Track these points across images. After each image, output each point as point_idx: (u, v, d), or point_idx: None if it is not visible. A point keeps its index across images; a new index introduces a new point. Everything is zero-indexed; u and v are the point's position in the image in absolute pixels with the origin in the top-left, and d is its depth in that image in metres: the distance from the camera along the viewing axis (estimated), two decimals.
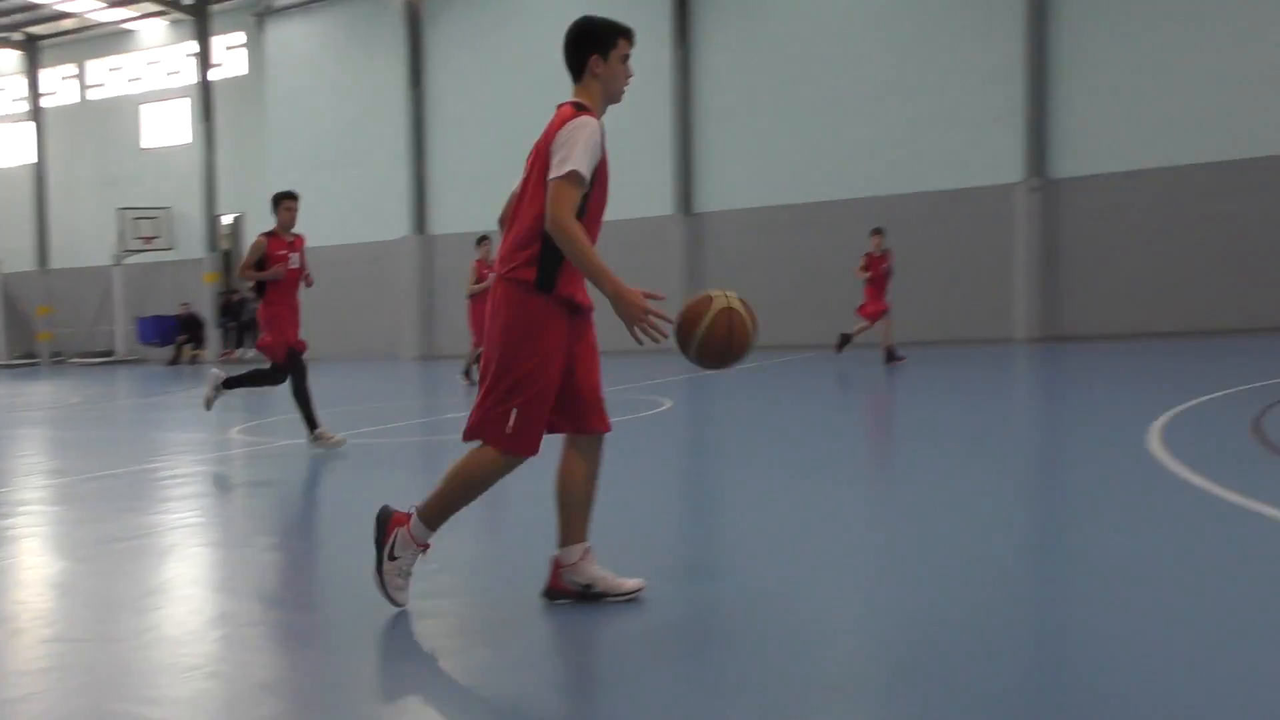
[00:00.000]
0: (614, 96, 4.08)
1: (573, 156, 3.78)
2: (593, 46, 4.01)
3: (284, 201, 9.31)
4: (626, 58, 4.06)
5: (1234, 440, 7.37)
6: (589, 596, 4.09)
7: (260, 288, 9.35)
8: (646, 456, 8.21)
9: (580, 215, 3.84)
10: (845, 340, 16.77)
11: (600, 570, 4.14)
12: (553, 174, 3.80)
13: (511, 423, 3.92)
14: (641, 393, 13.30)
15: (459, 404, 13.07)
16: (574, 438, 4.12)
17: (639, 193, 23.96)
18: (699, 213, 24.17)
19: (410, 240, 28.14)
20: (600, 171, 3.92)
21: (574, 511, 4.10)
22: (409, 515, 4.10)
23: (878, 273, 16.00)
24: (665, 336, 3.81)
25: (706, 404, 12.47)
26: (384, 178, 28.42)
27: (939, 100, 21.26)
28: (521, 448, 3.96)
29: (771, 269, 22.70)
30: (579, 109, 3.94)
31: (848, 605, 4.06)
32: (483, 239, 15.86)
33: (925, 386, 13.06)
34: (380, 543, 4.07)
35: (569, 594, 4.11)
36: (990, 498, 6.12)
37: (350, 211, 28.92)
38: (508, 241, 4.01)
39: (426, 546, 4.11)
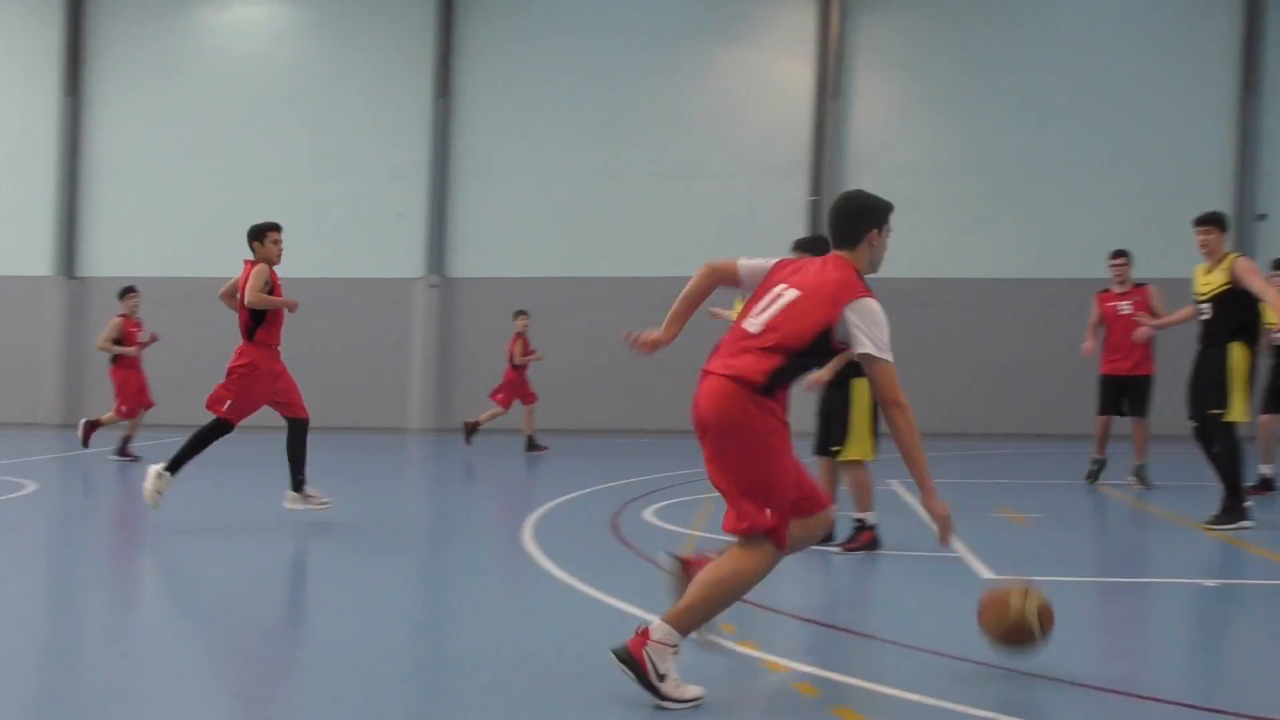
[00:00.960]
0: (876, 266, 4.46)
1: (884, 341, 4.20)
2: (874, 221, 4.42)
3: (270, 234, 8.59)
4: (890, 232, 4.49)
5: (595, 536, 8.16)
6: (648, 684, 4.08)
7: (254, 326, 8.41)
8: None
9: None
10: (472, 429, 15.70)
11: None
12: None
13: (772, 518, 4.16)
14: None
15: None
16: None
17: (15, 249, 21.92)
18: (82, 276, 22.36)
19: None
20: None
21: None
22: (645, 632, 4.08)
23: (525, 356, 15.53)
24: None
25: (71, 492, 11.52)
26: None
27: (345, 189, 21.58)
28: (784, 541, 4.22)
29: (182, 343, 21.48)
30: (860, 276, 4.34)
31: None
32: (129, 291, 13.87)
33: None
34: (645, 679, 4.02)
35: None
36: (382, 595, 6.25)
37: None
38: (750, 344, 4.24)
39: (677, 647, 4.10)
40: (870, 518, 7.50)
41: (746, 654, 4.84)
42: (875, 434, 7.47)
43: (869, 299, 4.26)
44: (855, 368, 7.48)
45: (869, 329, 4.20)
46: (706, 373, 4.33)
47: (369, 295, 21.54)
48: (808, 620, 5.71)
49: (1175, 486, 11.17)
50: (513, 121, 21.68)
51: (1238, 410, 8.32)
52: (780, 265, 4.50)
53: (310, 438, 8.73)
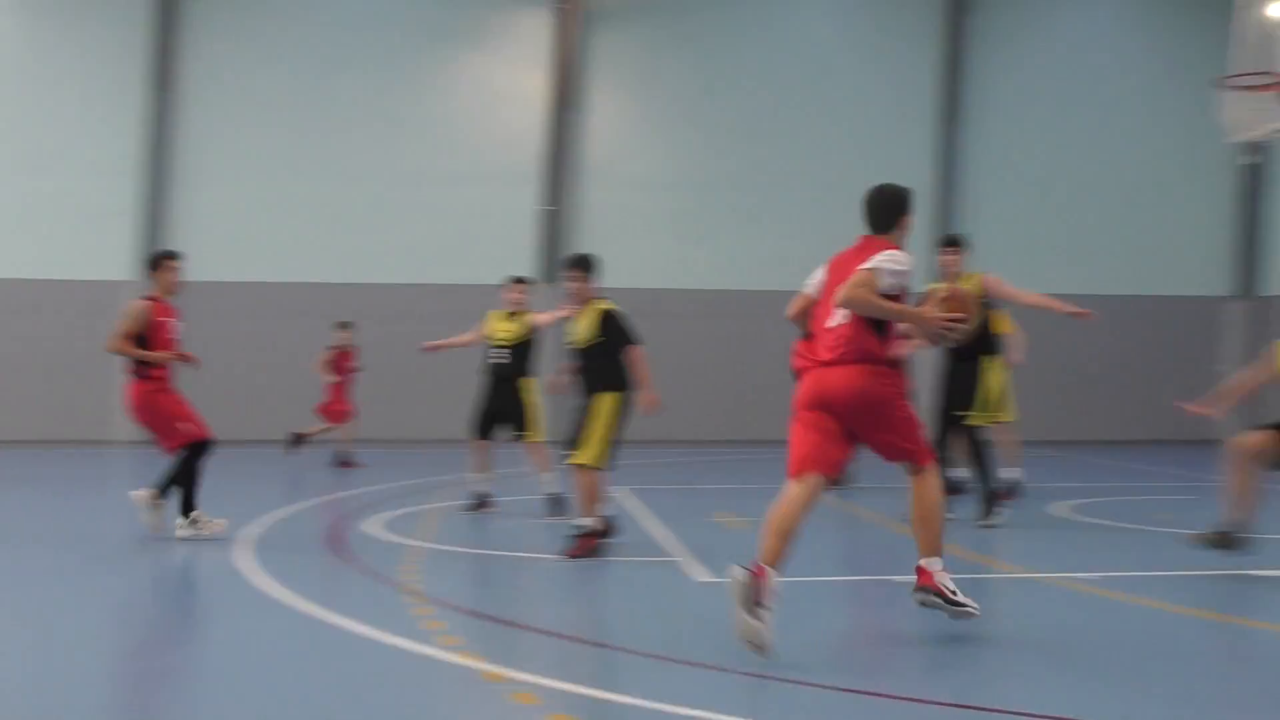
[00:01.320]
0: (905, 244, 5.22)
1: (885, 266, 4.96)
2: (905, 209, 5.30)
3: (165, 261, 8.30)
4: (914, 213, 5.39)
5: (314, 550, 7.92)
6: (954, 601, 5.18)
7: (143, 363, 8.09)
8: None
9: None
10: (299, 439, 14.74)
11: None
12: (870, 264, 4.96)
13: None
14: None
15: None
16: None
17: None
18: None
19: None
20: (900, 297, 5.08)
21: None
22: (929, 573, 5.18)
23: (345, 369, 14.62)
24: (957, 329, 5.10)
25: None
26: None
27: (50, 184, 20.09)
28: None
29: None
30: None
31: None
32: None
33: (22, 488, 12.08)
34: (949, 601, 5.15)
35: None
36: (74, 616, 5.87)
37: None
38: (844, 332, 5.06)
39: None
40: (595, 524, 7.62)
41: (465, 665, 4.81)
42: (612, 446, 7.63)
43: (896, 250, 5.12)
44: (603, 380, 7.68)
45: (885, 259, 5.02)
46: (818, 364, 5.10)
47: (74, 298, 20.11)
48: (529, 629, 5.73)
49: (879, 489, 11.85)
50: (238, 119, 20.72)
51: (981, 415, 9.29)
52: (830, 269, 5.29)
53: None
